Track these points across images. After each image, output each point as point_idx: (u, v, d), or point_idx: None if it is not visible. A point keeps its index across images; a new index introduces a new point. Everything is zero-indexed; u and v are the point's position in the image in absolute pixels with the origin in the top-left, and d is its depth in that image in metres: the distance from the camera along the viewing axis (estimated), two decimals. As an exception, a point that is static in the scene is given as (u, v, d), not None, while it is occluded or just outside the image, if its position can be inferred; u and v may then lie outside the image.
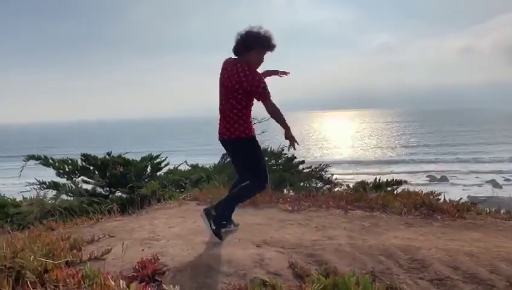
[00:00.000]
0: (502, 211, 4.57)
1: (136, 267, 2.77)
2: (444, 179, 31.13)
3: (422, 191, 5.39)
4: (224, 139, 3.46)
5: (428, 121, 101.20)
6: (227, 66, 3.40)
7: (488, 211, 4.45)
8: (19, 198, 5.80)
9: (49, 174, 6.19)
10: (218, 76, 3.46)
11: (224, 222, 3.55)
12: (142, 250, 3.20)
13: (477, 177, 31.95)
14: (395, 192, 5.50)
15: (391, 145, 54.46)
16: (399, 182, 6.30)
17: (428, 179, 31.27)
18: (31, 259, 2.63)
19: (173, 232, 3.69)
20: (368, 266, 2.90)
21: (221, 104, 3.44)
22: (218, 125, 3.49)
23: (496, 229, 3.77)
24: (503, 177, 31.04)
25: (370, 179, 6.94)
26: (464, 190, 26.23)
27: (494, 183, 29.04)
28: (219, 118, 3.47)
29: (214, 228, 3.39)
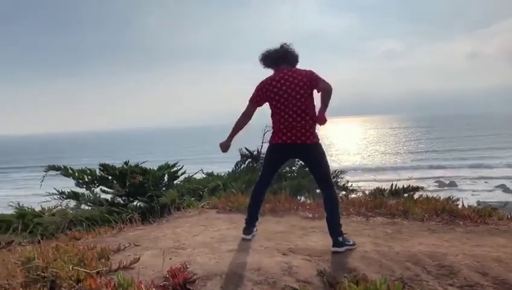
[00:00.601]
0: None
1: (166, 276, 2.79)
2: (453, 185, 30.94)
3: (440, 197, 5.39)
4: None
5: (436, 127, 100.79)
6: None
7: (509, 216, 4.44)
8: (37, 208, 5.85)
9: (65, 184, 6.25)
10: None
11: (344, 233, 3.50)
12: (170, 259, 3.22)
13: (486, 183, 31.72)
14: (413, 198, 5.47)
15: (399, 151, 54.25)
16: (415, 189, 6.29)
17: (437, 184, 31.07)
18: (64, 268, 2.67)
19: (198, 240, 3.71)
20: (396, 273, 2.90)
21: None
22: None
23: (520, 234, 3.76)
24: (513, 181, 30.78)
25: (381, 185, 6.93)
26: (473, 195, 26.03)
27: (504, 188, 28.82)
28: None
29: (346, 243, 3.40)
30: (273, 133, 3.58)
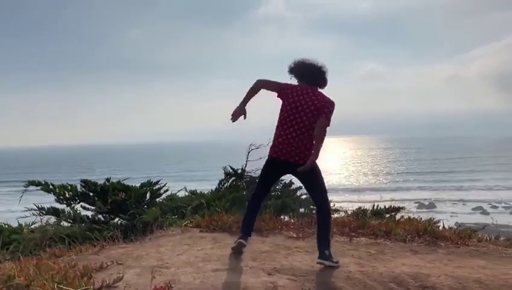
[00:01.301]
0: (501, 238, 4.67)
1: (151, 295, 2.76)
2: (431, 206, 31.37)
3: (421, 218, 5.46)
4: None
5: (416, 148, 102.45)
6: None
7: (488, 238, 4.54)
8: (14, 224, 5.70)
9: (41, 200, 6.10)
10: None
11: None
12: (154, 278, 3.17)
13: (464, 205, 32.28)
14: (395, 219, 5.54)
15: (378, 172, 54.81)
16: (397, 209, 6.36)
17: (416, 205, 31.44)
18: (46, 287, 2.61)
19: (182, 259, 3.67)
20: (381, 293, 2.93)
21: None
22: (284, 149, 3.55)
23: (499, 256, 3.85)
24: (490, 204, 31.41)
25: (363, 205, 6.99)
26: (451, 216, 26.40)
27: (482, 210, 29.35)
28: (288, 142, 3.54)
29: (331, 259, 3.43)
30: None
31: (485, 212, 28.82)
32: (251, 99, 3.75)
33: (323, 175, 3.66)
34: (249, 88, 3.71)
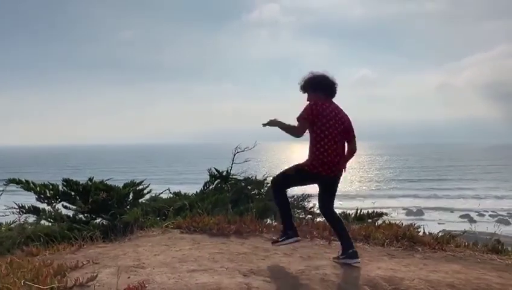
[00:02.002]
0: (479, 245, 4.71)
1: (122, 295, 2.75)
2: (419, 213, 31.57)
3: (402, 223, 5.50)
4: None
5: (405, 155, 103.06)
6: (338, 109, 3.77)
7: (466, 244, 4.58)
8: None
9: (27, 199, 6.06)
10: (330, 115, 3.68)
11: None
12: (128, 277, 3.16)
13: (452, 212, 32.50)
14: (376, 224, 5.57)
15: (367, 179, 55.00)
16: (380, 214, 6.40)
17: (404, 212, 31.63)
18: (17, 284, 2.59)
19: (158, 260, 3.66)
20: (354, 296, 2.94)
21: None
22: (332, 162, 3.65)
23: (474, 261, 3.89)
24: (478, 212, 31.67)
25: (348, 211, 7.04)
26: (439, 224, 26.58)
27: (469, 218, 29.58)
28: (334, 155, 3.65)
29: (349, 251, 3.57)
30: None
31: (472, 220, 29.04)
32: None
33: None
34: (292, 126, 3.65)
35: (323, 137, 3.60)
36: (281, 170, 3.88)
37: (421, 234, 4.94)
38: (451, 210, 33.27)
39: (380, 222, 6.13)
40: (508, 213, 31.18)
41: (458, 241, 4.55)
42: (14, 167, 65.59)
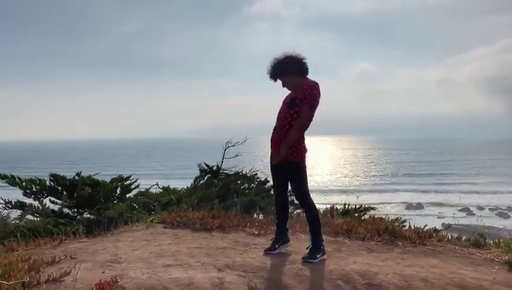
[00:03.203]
0: (462, 238, 4.71)
1: (93, 290, 2.75)
2: (419, 207, 31.63)
3: (389, 218, 5.50)
4: None
5: (406, 150, 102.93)
6: None
7: (449, 238, 4.58)
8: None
9: (15, 194, 6.08)
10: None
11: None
12: (103, 272, 3.17)
13: (451, 206, 32.50)
14: (362, 218, 5.57)
15: (366, 173, 54.93)
16: (366, 209, 6.40)
17: (404, 206, 31.68)
18: (-16, 280, 2.59)
19: (136, 255, 3.66)
20: (326, 290, 2.95)
21: None
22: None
23: (453, 255, 3.88)
24: (477, 206, 31.68)
25: (334, 205, 7.02)
26: (438, 218, 26.60)
27: (468, 212, 29.61)
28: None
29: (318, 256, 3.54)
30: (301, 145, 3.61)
31: (471, 214, 29.07)
32: None
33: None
34: (299, 126, 3.54)
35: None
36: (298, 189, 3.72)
37: (406, 228, 4.95)
38: (451, 204, 33.25)
39: (367, 216, 6.14)
40: (507, 207, 31.18)
41: (440, 236, 4.53)
42: (13, 161, 65.76)
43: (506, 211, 29.62)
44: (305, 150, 3.65)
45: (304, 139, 3.64)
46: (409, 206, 31.99)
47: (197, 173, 7.89)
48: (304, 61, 3.62)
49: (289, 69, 3.59)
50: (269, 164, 3.80)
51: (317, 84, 3.55)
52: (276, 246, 3.80)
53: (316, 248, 3.57)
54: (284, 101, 3.69)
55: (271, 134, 3.71)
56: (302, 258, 3.54)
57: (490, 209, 31.27)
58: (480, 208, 31.26)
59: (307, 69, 3.63)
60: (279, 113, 3.67)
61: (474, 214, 28.33)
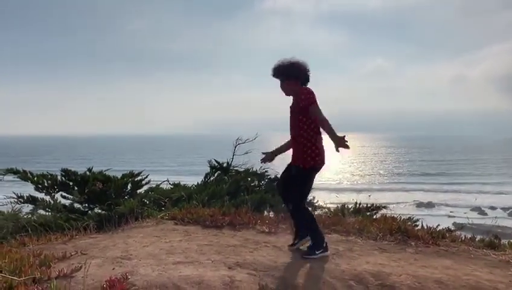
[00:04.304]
0: (476, 239, 4.62)
1: (104, 286, 2.74)
2: (430, 206, 31.36)
3: (401, 217, 5.42)
4: None
5: (419, 148, 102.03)
6: None
7: (462, 238, 4.50)
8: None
9: (28, 189, 6.12)
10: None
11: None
12: (113, 269, 3.16)
13: (463, 206, 32.17)
14: (373, 217, 5.51)
15: (378, 171, 54.59)
16: (378, 207, 6.34)
17: (415, 205, 31.43)
18: (-4, 275, 2.60)
19: (146, 251, 3.65)
20: (338, 291, 2.90)
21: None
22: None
23: (467, 256, 3.81)
24: (489, 205, 31.32)
25: (345, 204, 6.97)
26: (449, 217, 26.35)
27: (480, 211, 29.30)
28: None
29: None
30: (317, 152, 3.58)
31: (483, 213, 28.77)
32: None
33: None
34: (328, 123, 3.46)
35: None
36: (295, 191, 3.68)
37: (418, 228, 4.88)
38: (463, 203, 32.92)
39: (379, 215, 6.08)
40: (520, 206, 30.76)
41: (454, 236, 4.46)
42: (25, 156, 66.52)
43: (520, 212, 29.20)
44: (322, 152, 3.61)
45: (319, 141, 3.60)
46: (420, 205, 31.75)
47: (207, 169, 7.88)
48: (308, 72, 3.67)
49: (293, 75, 3.63)
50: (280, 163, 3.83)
51: (311, 90, 3.56)
52: (296, 241, 3.82)
53: (316, 245, 3.58)
54: (292, 111, 3.68)
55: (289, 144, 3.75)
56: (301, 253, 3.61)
57: (503, 209, 30.89)
58: (493, 208, 30.89)
59: (309, 79, 3.68)
60: (292, 122, 3.69)
61: (486, 214, 28.03)
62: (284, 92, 3.71)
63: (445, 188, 39.91)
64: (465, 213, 29.11)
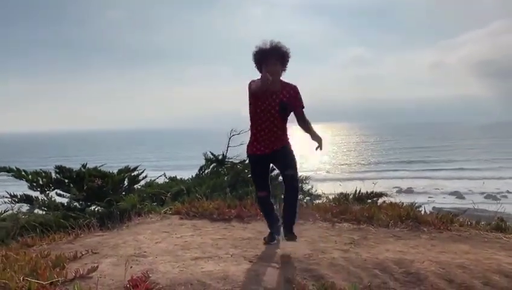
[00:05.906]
0: (481, 223, 4.66)
1: (127, 286, 2.64)
2: (409, 191, 31.91)
3: (403, 203, 5.44)
4: None
5: (398, 135, 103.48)
6: None
7: (469, 223, 4.52)
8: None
9: (20, 188, 5.89)
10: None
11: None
12: (131, 267, 3.04)
13: (441, 190, 32.88)
14: (377, 204, 5.50)
15: (357, 159, 55.18)
16: (379, 194, 6.34)
17: (395, 191, 31.93)
18: (14, 279, 2.46)
19: (160, 247, 3.55)
20: (364, 280, 2.86)
21: None
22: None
23: (481, 240, 3.83)
24: (467, 189, 32.09)
25: (345, 190, 6.96)
26: (428, 201, 26.86)
27: (458, 195, 30.00)
28: None
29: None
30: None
31: (461, 197, 29.47)
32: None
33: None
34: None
35: None
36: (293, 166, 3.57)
37: (423, 213, 4.90)
38: (441, 188, 33.63)
39: (380, 202, 6.09)
40: (496, 189, 31.63)
41: (462, 221, 4.48)
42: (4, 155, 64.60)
43: (495, 194, 30.00)
44: None
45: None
46: (399, 191, 32.27)
47: (190, 164, 7.77)
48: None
49: (286, 65, 3.49)
50: None
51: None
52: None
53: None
54: (270, 100, 3.42)
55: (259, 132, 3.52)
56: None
57: (480, 192, 31.67)
58: (470, 191, 31.64)
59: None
60: (268, 111, 3.43)
61: (464, 198, 28.69)
62: (274, 81, 3.29)
63: (425, 174, 40.65)
64: (444, 198, 29.79)
